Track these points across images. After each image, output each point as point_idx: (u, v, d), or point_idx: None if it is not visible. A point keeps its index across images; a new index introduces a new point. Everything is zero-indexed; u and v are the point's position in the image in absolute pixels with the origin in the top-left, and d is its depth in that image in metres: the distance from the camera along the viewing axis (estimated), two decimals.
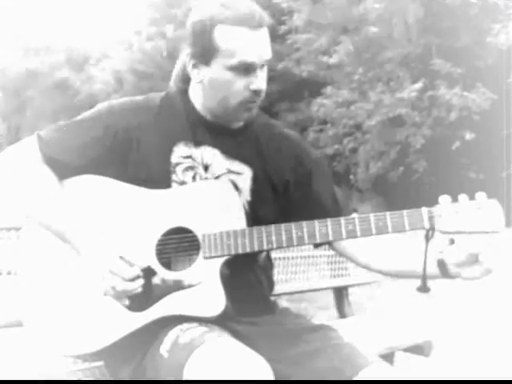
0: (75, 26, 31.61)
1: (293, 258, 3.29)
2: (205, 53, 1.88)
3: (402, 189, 16.63)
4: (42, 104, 30.84)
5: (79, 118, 2.01)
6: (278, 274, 3.17)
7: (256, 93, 1.91)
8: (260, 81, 1.90)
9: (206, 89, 1.95)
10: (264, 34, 1.89)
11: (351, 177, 19.42)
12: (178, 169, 1.97)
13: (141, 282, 1.82)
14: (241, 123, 2.02)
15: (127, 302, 1.83)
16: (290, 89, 20.57)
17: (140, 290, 1.82)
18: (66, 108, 28.17)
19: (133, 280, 1.80)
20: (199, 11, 1.91)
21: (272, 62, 1.92)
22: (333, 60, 18.34)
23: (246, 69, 1.87)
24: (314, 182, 2.09)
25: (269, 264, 2.17)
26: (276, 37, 20.07)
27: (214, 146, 1.99)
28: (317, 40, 19.22)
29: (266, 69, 1.93)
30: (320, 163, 2.15)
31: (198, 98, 2.00)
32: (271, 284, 2.16)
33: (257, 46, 1.86)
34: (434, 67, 16.25)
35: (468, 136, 15.58)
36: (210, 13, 1.87)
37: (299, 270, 3.34)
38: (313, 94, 19.54)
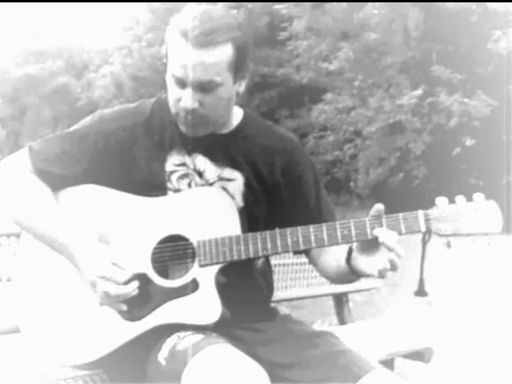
0: (75, 32, 31.71)
1: (292, 264, 3.29)
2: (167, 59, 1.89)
3: (402, 195, 16.61)
4: (42, 110, 30.86)
5: (71, 128, 2.01)
6: (277, 281, 3.16)
7: (185, 110, 1.86)
8: (187, 99, 1.84)
9: None
10: (212, 54, 1.80)
11: (351, 183, 19.44)
12: (173, 177, 1.96)
13: (135, 284, 1.81)
14: (230, 128, 2.01)
15: (124, 308, 1.83)
16: (290, 95, 20.59)
17: (135, 292, 1.81)
18: (65, 114, 28.21)
19: (126, 284, 1.79)
20: (173, 21, 1.89)
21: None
22: (333, 66, 18.38)
23: (179, 82, 1.85)
24: (304, 185, 2.07)
25: (268, 269, 2.16)
26: (276, 43, 20.14)
27: (205, 153, 1.98)
28: (317, 46, 19.25)
29: (217, 90, 1.84)
30: (311, 167, 2.12)
31: None
32: (271, 289, 2.15)
33: (192, 65, 1.80)
34: (434, 73, 16.28)
35: (468, 142, 15.62)
36: (176, 23, 1.86)
37: (299, 276, 3.33)
38: (313, 101, 19.58)
